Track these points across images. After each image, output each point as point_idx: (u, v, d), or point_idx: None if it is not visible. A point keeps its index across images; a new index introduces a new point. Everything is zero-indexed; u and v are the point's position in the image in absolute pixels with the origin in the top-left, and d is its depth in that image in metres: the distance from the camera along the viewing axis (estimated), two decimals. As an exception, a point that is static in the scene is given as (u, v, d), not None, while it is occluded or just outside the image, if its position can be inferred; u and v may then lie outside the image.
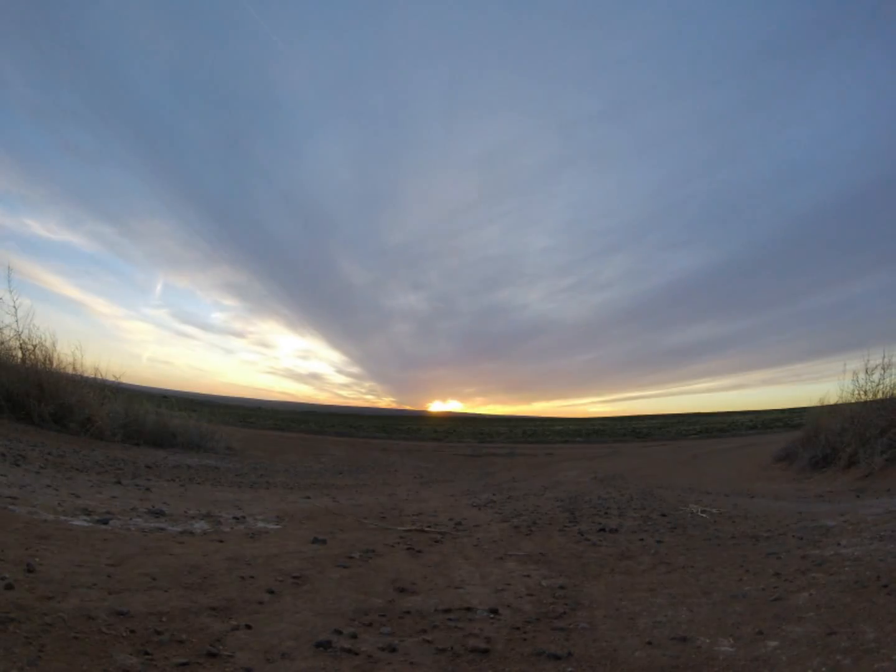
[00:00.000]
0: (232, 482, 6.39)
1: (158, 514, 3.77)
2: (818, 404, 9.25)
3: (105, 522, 3.26)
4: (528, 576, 3.01)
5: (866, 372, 8.10)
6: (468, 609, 2.40)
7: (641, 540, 3.90)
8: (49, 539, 2.68)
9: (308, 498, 5.64)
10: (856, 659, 1.69)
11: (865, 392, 8.05)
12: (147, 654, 1.68)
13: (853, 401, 8.12)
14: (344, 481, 7.78)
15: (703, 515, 4.80)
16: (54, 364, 8.27)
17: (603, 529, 4.28)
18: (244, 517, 4.07)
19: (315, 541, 3.48)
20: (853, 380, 8.25)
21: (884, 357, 7.96)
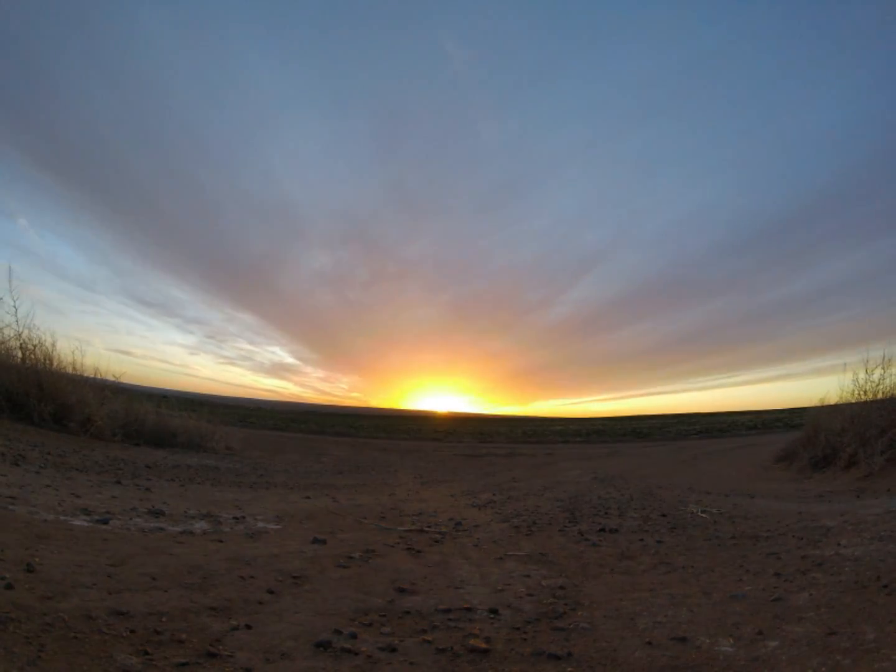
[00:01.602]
0: (232, 482, 6.39)
1: (158, 514, 3.77)
2: (818, 404, 9.25)
3: (105, 522, 3.26)
4: (528, 576, 3.01)
5: (866, 371, 8.10)
6: (468, 609, 2.40)
7: (641, 540, 3.90)
8: (49, 539, 2.68)
9: (308, 498, 5.64)
10: (856, 659, 1.69)
11: (865, 392, 8.05)
12: (147, 653, 1.68)
13: (853, 401, 8.12)
14: (344, 481, 7.78)
15: (703, 515, 4.80)
16: (54, 364, 8.28)
17: (603, 529, 4.28)
18: (244, 517, 4.07)
19: (315, 541, 3.48)
20: (853, 379, 8.26)
21: (884, 356, 7.96)
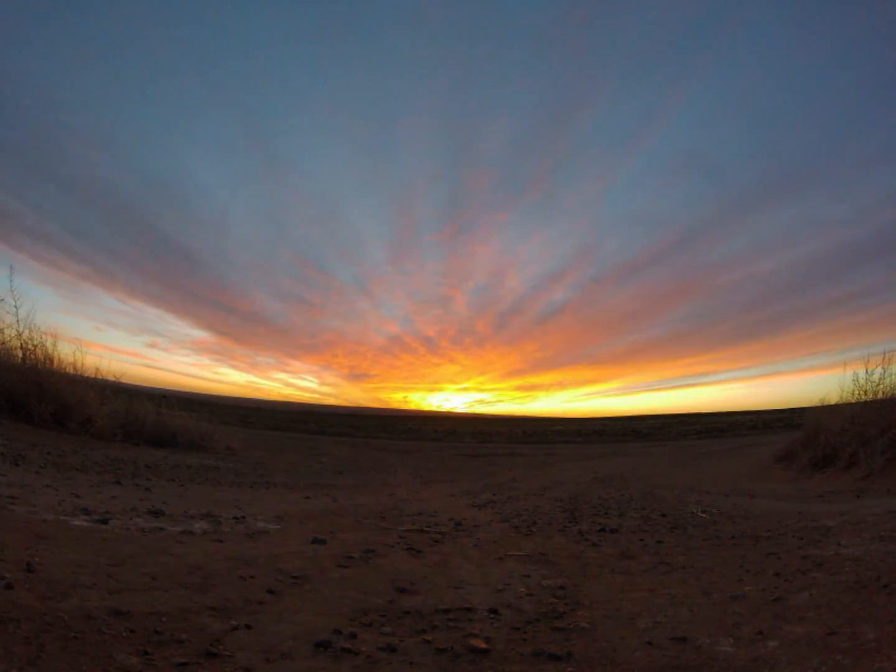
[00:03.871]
0: (232, 482, 6.39)
1: (158, 513, 3.76)
2: (818, 404, 9.25)
3: (105, 522, 3.26)
4: (528, 576, 3.01)
5: (867, 371, 8.09)
6: (468, 609, 2.40)
7: (641, 540, 3.90)
8: (49, 539, 2.68)
9: (308, 498, 5.64)
10: (856, 659, 1.69)
11: (866, 392, 8.04)
12: (147, 653, 1.68)
13: (853, 401, 8.11)
14: (344, 481, 7.78)
15: (703, 515, 4.80)
16: (54, 364, 8.28)
17: (603, 529, 4.28)
18: (244, 517, 4.07)
19: (315, 541, 3.48)
20: (853, 379, 8.25)
21: (884, 355, 7.95)
